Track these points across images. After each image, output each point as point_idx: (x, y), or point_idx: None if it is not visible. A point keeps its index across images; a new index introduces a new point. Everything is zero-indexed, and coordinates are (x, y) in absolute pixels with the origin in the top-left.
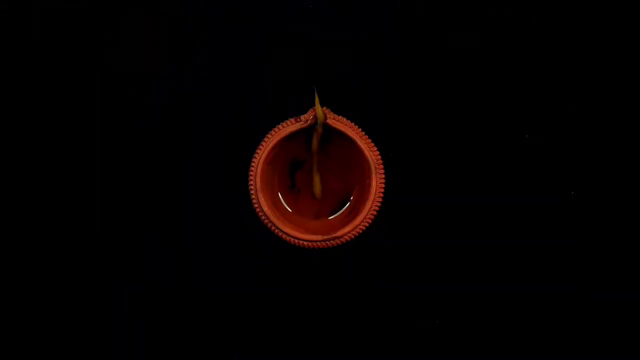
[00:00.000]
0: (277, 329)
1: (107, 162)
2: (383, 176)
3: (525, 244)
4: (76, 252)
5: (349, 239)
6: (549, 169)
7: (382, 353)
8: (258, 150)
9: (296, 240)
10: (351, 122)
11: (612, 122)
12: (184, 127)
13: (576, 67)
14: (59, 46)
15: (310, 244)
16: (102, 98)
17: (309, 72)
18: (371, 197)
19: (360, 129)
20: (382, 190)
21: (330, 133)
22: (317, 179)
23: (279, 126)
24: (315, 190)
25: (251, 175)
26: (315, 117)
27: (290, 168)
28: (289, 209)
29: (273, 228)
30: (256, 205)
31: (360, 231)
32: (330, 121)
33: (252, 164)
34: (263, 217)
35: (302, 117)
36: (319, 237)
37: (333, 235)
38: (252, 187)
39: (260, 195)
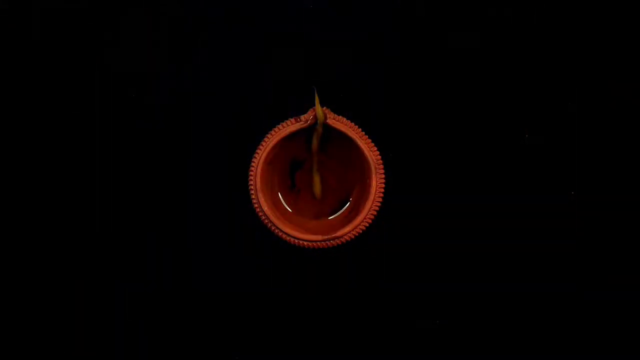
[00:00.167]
0: (277, 329)
1: (107, 162)
2: (383, 176)
3: (525, 244)
4: (76, 252)
5: (349, 239)
6: (549, 169)
7: (382, 353)
8: (258, 150)
9: (296, 240)
10: (351, 122)
11: (612, 122)
12: (184, 127)
13: (576, 67)
14: (59, 46)
15: (310, 244)
16: (102, 98)
17: (309, 72)
18: (371, 197)
19: (360, 129)
20: (382, 190)
21: (330, 133)
22: (317, 179)
23: (279, 126)
24: (315, 190)
25: (251, 175)
26: (315, 117)
27: (290, 168)
28: (289, 209)
29: (273, 228)
30: (256, 205)
31: (360, 231)
32: (330, 121)
33: (252, 164)
34: (263, 217)
35: (302, 117)
36: (319, 237)
37: (333, 235)
38: (252, 187)
39: (260, 195)
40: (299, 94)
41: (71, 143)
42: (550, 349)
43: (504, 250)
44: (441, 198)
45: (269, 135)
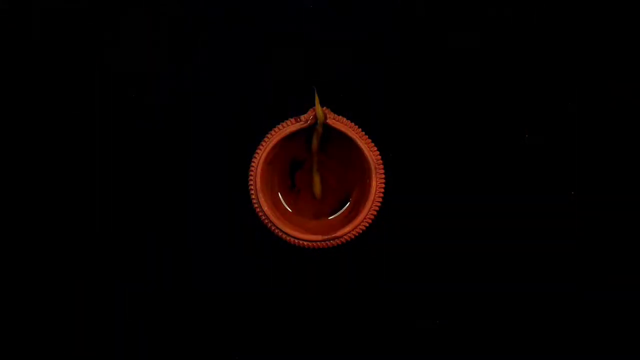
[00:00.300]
0: (277, 329)
1: (107, 162)
2: (383, 176)
3: (525, 244)
4: (76, 252)
5: (349, 239)
6: (549, 169)
7: (382, 353)
8: (258, 150)
9: (296, 240)
10: (351, 122)
11: (612, 122)
12: (184, 127)
13: (576, 67)
14: (59, 46)
15: (310, 244)
16: (102, 98)
17: (309, 72)
18: (371, 197)
19: (360, 129)
20: (382, 190)
21: (330, 133)
22: (317, 179)
23: (279, 126)
24: (315, 190)
25: (251, 175)
26: (315, 117)
27: (290, 168)
28: (289, 209)
29: (273, 228)
30: (256, 205)
31: (360, 231)
32: (330, 121)
33: (252, 164)
34: (263, 217)
35: (302, 117)
36: (319, 237)
37: (333, 235)
38: (252, 187)
39: (260, 195)
40: (299, 94)
41: (71, 143)
42: (550, 349)
43: (504, 250)
44: (441, 198)
45: (269, 135)
